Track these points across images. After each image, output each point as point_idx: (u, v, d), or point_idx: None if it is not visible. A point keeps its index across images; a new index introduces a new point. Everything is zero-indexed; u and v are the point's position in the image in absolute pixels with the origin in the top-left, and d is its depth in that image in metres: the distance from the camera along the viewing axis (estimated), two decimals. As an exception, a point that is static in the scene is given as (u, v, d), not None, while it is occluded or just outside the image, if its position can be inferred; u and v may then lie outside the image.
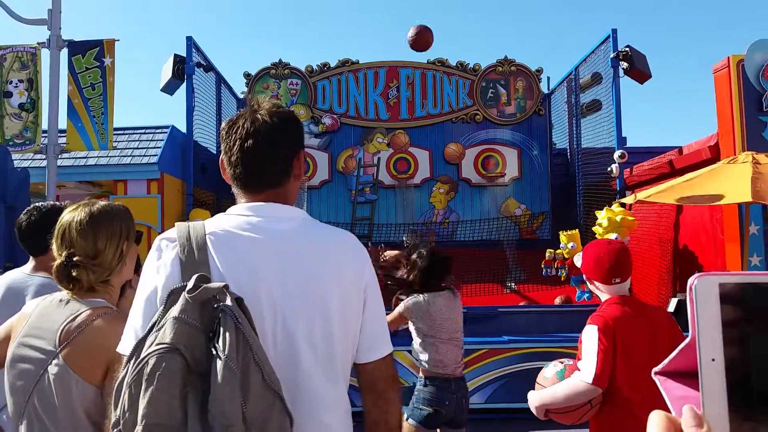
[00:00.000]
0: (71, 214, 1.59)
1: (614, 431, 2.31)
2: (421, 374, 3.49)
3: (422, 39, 8.41)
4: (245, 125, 1.34)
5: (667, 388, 0.54)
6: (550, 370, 2.43)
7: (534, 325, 6.88)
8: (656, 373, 0.55)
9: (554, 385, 2.33)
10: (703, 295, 0.48)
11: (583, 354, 2.32)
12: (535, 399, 2.39)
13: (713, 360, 0.47)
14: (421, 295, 3.49)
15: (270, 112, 1.35)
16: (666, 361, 0.54)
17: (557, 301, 7.87)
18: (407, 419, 3.38)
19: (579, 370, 2.30)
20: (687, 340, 0.50)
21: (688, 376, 0.53)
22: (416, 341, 3.50)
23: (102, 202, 1.65)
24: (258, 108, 1.36)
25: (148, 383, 1.00)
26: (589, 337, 2.30)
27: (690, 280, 0.48)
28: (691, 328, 0.49)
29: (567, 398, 2.26)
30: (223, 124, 1.39)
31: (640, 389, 2.26)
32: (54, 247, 1.58)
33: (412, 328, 3.52)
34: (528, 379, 6.01)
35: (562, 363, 2.45)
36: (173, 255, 1.23)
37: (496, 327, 6.78)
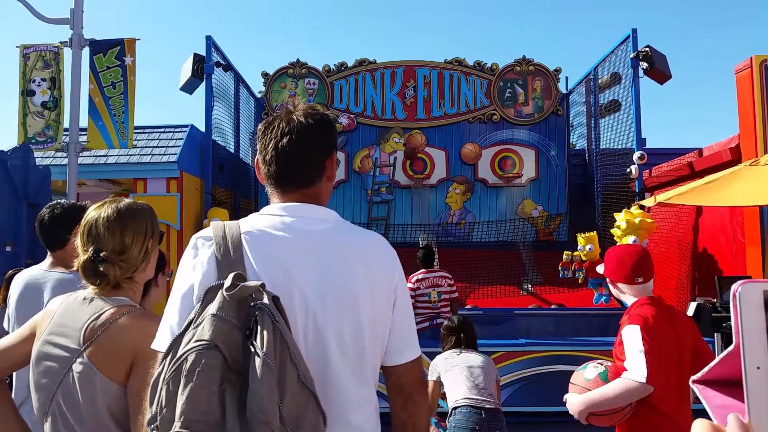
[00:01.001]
0: (97, 211, 1.61)
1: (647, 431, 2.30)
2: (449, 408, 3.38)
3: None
4: (281, 125, 1.38)
5: (707, 396, 0.53)
6: (591, 371, 2.38)
7: (551, 327, 6.84)
8: (694, 382, 0.54)
9: (601, 387, 2.28)
10: (747, 303, 0.48)
11: (627, 354, 2.27)
12: (580, 402, 2.32)
13: (758, 368, 0.47)
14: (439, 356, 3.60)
15: (305, 114, 1.39)
16: (706, 369, 0.54)
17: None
18: None
19: (626, 370, 2.24)
20: (729, 349, 0.49)
21: (728, 384, 0.52)
22: (448, 396, 3.42)
23: (127, 200, 1.67)
24: (294, 109, 1.41)
25: (187, 379, 1.01)
26: (633, 336, 2.27)
27: (734, 287, 0.48)
28: (735, 336, 0.48)
29: (618, 399, 2.22)
30: (260, 125, 1.43)
31: (671, 389, 2.27)
32: (79, 243, 1.59)
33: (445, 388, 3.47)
34: (544, 383, 6.00)
35: (601, 364, 2.40)
36: (209, 253, 1.25)
37: (512, 329, 6.74)
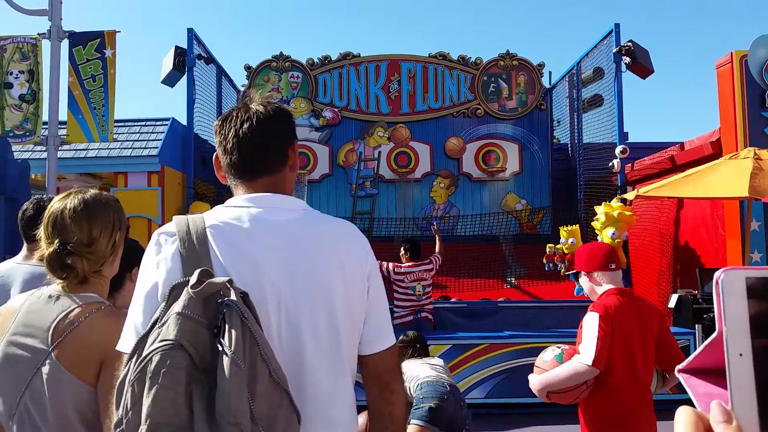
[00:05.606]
0: (62, 202, 1.54)
1: (607, 412, 2.51)
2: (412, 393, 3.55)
3: None
4: (239, 115, 1.36)
5: (692, 385, 0.53)
6: (549, 354, 2.63)
7: (534, 320, 6.89)
8: (679, 371, 0.54)
9: (555, 368, 2.52)
10: (730, 290, 0.47)
11: (583, 338, 2.51)
12: (537, 382, 2.58)
13: (741, 355, 0.47)
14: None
15: (263, 104, 1.38)
16: (690, 358, 0.54)
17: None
18: (410, 422, 3.29)
19: (579, 353, 2.48)
20: (713, 336, 0.49)
21: (712, 373, 0.52)
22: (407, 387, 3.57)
23: (93, 191, 1.60)
24: (250, 101, 1.40)
25: (152, 381, 0.98)
26: (590, 322, 2.50)
27: (716, 275, 0.48)
28: (718, 323, 0.48)
29: (568, 379, 2.46)
30: (216, 120, 1.41)
31: (634, 374, 2.49)
32: (43, 235, 1.52)
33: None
34: (527, 374, 6.04)
35: (559, 347, 2.64)
36: (173, 249, 1.21)
37: (496, 322, 6.78)
